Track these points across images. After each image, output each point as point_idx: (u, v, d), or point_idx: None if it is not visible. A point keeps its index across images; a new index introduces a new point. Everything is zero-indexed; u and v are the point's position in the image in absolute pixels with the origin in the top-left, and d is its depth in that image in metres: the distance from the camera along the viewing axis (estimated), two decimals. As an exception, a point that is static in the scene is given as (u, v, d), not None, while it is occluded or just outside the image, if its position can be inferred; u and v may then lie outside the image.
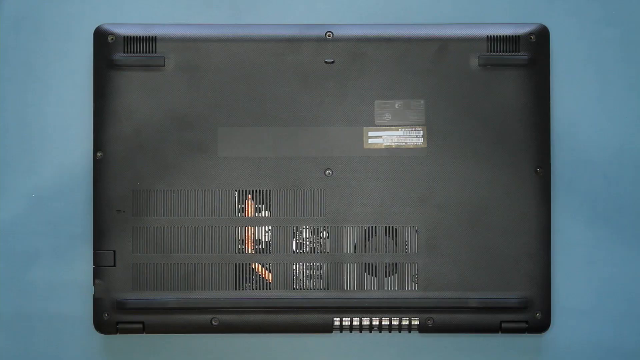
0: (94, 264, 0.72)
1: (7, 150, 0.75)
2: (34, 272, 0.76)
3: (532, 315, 0.73)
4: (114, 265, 0.72)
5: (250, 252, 0.73)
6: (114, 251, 0.72)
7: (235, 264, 0.73)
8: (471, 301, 0.72)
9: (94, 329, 0.73)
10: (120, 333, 0.73)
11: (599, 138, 0.76)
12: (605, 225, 0.76)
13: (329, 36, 0.73)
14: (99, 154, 0.72)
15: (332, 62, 0.72)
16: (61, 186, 0.75)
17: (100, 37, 0.72)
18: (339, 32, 0.73)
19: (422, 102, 0.72)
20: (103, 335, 0.74)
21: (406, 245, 0.73)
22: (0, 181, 0.75)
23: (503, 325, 0.73)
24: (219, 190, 0.73)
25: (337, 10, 0.76)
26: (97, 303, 0.72)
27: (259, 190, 0.73)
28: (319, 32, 0.73)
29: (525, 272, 0.73)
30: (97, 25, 0.73)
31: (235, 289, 0.73)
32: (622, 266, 0.77)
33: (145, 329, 0.73)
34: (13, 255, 0.76)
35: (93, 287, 0.73)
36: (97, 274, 0.72)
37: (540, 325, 0.74)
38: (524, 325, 0.73)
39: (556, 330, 0.76)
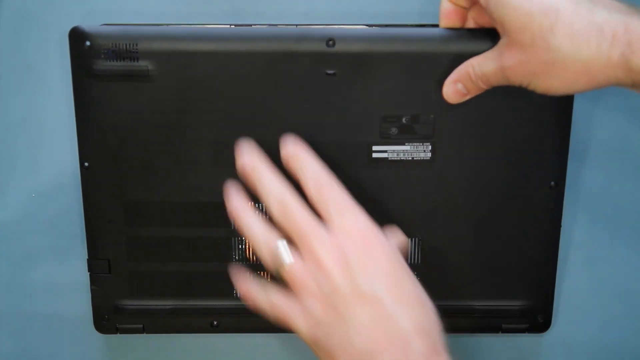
0: (89, 271, 0.71)
1: (7, 150, 0.75)
2: (34, 272, 0.76)
3: (533, 317, 0.73)
4: (109, 274, 0.71)
5: (250, 258, 0.72)
6: (108, 260, 0.71)
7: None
8: (474, 309, 0.72)
9: (94, 329, 0.73)
10: (120, 333, 0.73)
11: (599, 138, 0.76)
12: (605, 225, 0.76)
13: (330, 44, 0.67)
14: (85, 164, 0.69)
15: (334, 73, 0.67)
16: (61, 186, 0.75)
17: (76, 40, 0.66)
18: (341, 40, 0.67)
19: (432, 116, 0.68)
20: (103, 335, 0.74)
21: (410, 257, 0.71)
22: (0, 181, 0.75)
23: (503, 326, 0.73)
24: (215, 200, 0.67)
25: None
26: (96, 308, 0.72)
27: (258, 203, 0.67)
28: (319, 38, 0.67)
29: (529, 279, 0.72)
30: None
31: (235, 296, 0.71)
32: (622, 266, 0.77)
33: (145, 329, 0.73)
34: (13, 255, 0.76)
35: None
36: (92, 280, 0.71)
37: (541, 325, 0.74)
38: (524, 326, 0.73)
39: (556, 330, 0.76)
